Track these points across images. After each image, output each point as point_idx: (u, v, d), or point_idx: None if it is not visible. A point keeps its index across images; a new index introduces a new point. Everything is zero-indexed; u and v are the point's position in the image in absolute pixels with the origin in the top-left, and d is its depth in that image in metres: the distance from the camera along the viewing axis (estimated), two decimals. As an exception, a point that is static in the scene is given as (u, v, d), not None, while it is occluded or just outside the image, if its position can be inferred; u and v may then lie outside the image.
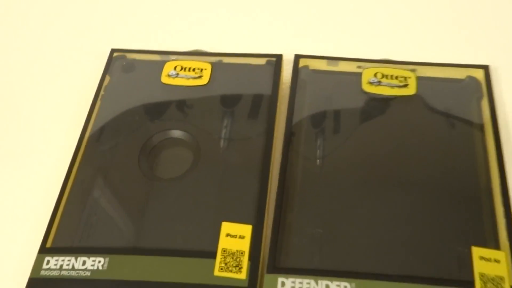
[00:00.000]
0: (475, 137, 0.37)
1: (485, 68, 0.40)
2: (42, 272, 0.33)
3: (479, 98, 0.39)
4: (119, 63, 0.44)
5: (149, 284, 0.32)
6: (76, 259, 0.34)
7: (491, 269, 0.31)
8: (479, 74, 0.40)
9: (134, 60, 0.44)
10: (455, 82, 0.40)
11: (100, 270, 0.33)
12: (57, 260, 0.34)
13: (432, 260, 0.32)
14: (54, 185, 0.38)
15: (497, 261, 0.31)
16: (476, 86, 0.39)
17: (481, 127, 0.37)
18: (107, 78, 0.43)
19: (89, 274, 0.33)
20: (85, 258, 0.34)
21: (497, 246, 0.32)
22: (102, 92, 0.42)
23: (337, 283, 0.31)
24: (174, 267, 0.33)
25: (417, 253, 0.32)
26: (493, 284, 0.30)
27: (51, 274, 0.33)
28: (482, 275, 0.30)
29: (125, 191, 0.37)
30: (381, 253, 0.32)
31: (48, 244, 0.35)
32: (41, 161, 0.41)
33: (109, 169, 0.38)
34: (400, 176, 0.35)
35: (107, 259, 0.33)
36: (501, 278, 0.30)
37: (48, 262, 0.34)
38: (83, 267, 0.33)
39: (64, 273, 0.33)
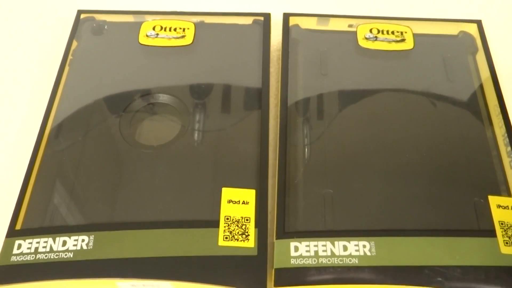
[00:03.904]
0: (476, 91, 0.36)
1: (478, 22, 0.39)
2: (13, 258, 0.28)
3: (474, 53, 0.38)
4: (88, 26, 0.39)
5: (146, 261, 0.28)
6: (54, 240, 0.29)
7: (509, 217, 0.29)
8: (472, 29, 0.39)
9: (105, 22, 0.39)
10: (449, 37, 0.39)
11: (84, 250, 0.28)
12: (30, 243, 0.29)
13: (450, 212, 0.30)
14: (21, 159, 0.33)
15: (514, 208, 0.30)
16: (471, 40, 0.39)
17: (480, 81, 0.37)
18: (75, 43, 0.38)
19: (71, 256, 0.28)
20: (66, 238, 0.29)
21: (509, 195, 0.31)
22: (70, 57, 0.37)
23: (355, 242, 0.29)
24: (172, 240, 0.29)
25: (433, 207, 0.30)
26: (513, 231, 0.29)
27: (25, 259, 0.28)
28: (501, 223, 0.29)
29: (107, 161, 0.32)
30: (396, 209, 0.30)
31: (18, 226, 0.30)
32: (6, 133, 0.36)
33: (87, 138, 0.33)
34: (407, 131, 0.34)
35: (92, 237, 0.29)
36: (521, 225, 0.29)
37: (19, 246, 0.29)
38: (64, 248, 0.28)
39: (40, 256, 0.28)
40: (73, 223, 0.30)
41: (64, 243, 0.29)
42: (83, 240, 0.29)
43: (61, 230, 0.29)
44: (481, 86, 0.36)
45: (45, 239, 0.29)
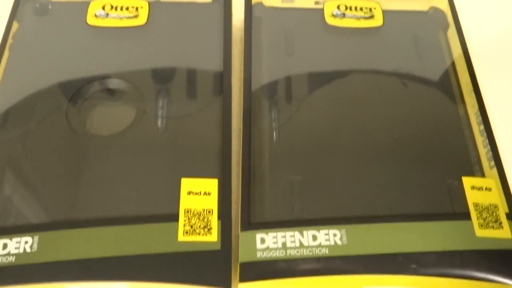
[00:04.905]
0: (448, 68, 0.35)
1: (448, -3, 0.38)
2: None
3: (445, 29, 0.37)
4: (30, 6, 0.35)
5: (97, 261, 0.25)
6: (-7, 243, 0.26)
7: (484, 198, 0.28)
8: (442, 4, 0.37)
9: (49, 1, 0.36)
10: (419, 14, 0.37)
11: (28, 253, 0.25)
12: (-34, 247, 0.26)
13: (423, 196, 0.29)
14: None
15: (488, 189, 0.29)
16: (441, 16, 0.37)
17: (451, 58, 0.35)
18: (15, 25, 0.35)
19: (13, 260, 0.25)
20: (6, 240, 0.26)
21: (483, 176, 0.30)
22: (10, 41, 0.34)
23: (325, 231, 0.27)
24: (127, 237, 0.26)
25: (405, 191, 0.29)
26: (488, 213, 0.28)
27: (-41, 265, 0.25)
28: (476, 205, 0.28)
29: (52, 153, 0.29)
30: (368, 195, 0.29)
31: (-49, 228, 0.27)
32: None
33: (30, 131, 0.30)
34: (378, 113, 0.32)
35: (36, 238, 0.26)
36: (495, 206, 0.28)
37: (-47, 251, 0.26)
38: (5, 252, 0.25)
39: (-23, 262, 0.25)
40: (16, 223, 0.27)
41: (5, 246, 0.26)
42: (26, 242, 0.26)
43: (1, 232, 0.26)
44: (453, 64, 0.35)
45: (-17, 243, 0.26)
